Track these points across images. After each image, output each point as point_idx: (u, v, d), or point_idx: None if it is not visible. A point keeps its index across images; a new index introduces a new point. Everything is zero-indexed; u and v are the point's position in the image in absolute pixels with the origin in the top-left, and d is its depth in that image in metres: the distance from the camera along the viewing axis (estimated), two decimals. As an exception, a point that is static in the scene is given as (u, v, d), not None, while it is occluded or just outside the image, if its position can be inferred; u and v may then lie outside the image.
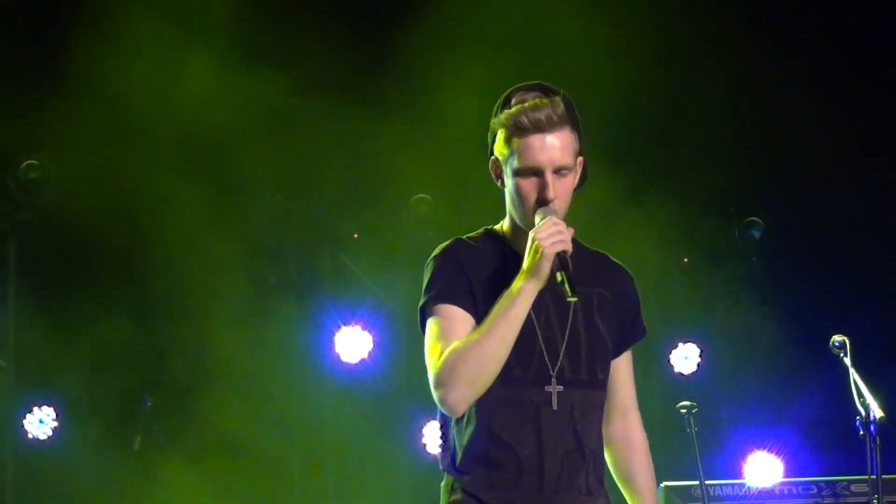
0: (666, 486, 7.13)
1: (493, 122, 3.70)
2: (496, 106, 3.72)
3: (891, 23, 9.29)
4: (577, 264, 3.59)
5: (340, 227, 9.36)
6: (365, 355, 9.21)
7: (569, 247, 3.54)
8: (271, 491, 9.06)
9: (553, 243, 3.51)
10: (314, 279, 9.43)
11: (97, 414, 8.71)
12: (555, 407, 3.61)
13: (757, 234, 9.67)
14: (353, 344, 9.20)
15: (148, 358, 8.85)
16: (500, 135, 3.66)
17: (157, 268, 8.79)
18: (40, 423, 8.70)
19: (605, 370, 3.76)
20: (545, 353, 3.64)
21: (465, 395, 3.54)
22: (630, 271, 3.91)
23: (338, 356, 9.22)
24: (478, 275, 3.65)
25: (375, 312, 9.25)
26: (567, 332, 3.67)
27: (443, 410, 3.63)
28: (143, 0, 8.56)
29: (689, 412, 6.50)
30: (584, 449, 3.67)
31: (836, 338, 6.18)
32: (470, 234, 3.78)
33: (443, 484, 3.74)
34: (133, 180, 8.69)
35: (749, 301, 9.54)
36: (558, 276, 3.53)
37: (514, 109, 3.64)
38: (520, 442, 3.61)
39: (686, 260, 9.68)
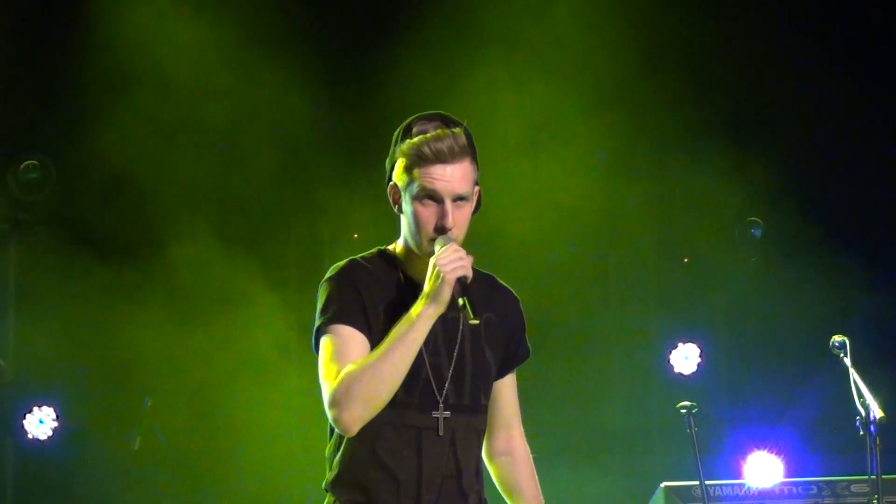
0: (666, 487, 7.13)
1: (395, 150, 3.80)
2: (396, 133, 3.82)
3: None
4: (470, 287, 3.64)
5: (340, 227, 9.36)
6: (365, 355, 9.19)
7: (469, 273, 3.60)
8: (271, 491, 9.06)
9: (454, 269, 3.58)
10: (314, 279, 9.41)
11: (97, 414, 8.71)
12: (440, 433, 3.67)
13: (757, 234, 9.67)
14: (352, 344, 9.17)
15: (148, 358, 8.85)
16: (401, 163, 3.77)
17: (157, 268, 8.79)
18: (40, 423, 8.70)
19: (488, 395, 3.81)
20: (431, 378, 3.68)
21: (359, 416, 3.58)
22: (516, 293, 3.94)
23: (338, 356, 9.19)
24: (372, 297, 3.70)
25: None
26: (454, 358, 3.72)
27: (337, 429, 3.66)
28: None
29: (689, 412, 6.49)
30: (464, 475, 3.71)
31: (836, 338, 6.19)
32: (364, 255, 3.84)
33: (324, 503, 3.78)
34: (133, 180, 8.70)
35: (749, 301, 9.54)
36: (460, 301, 3.59)
37: (416, 140, 3.74)
38: (400, 466, 3.65)
39: (686, 260, 9.68)
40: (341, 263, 3.81)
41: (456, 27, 8.84)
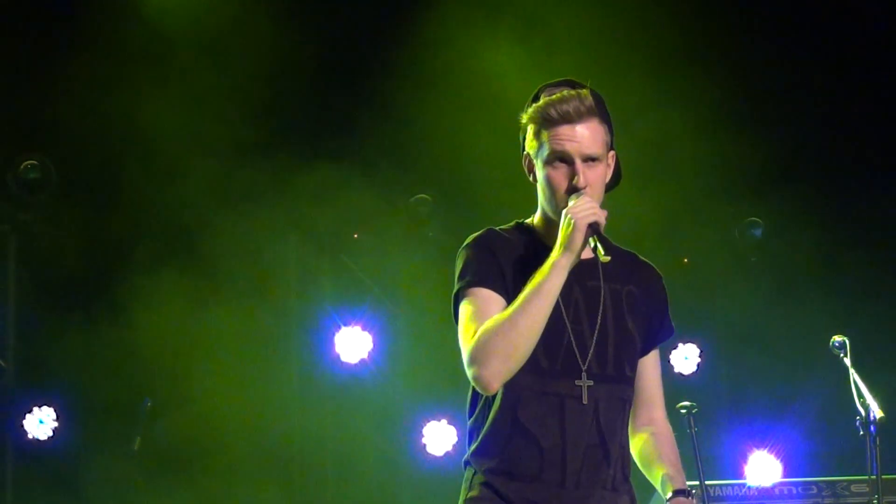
0: (666, 487, 7.12)
1: (523, 117, 3.74)
2: (526, 104, 3.76)
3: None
4: (609, 261, 3.61)
5: (340, 227, 9.36)
6: (365, 355, 9.21)
7: (602, 220, 3.58)
8: (271, 491, 9.05)
9: (585, 216, 3.56)
10: (314, 279, 9.42)
11: (97, 414, 8.71)
12: (584, 401, 3.61)
13: (757, 234, 9.67)
14: (353, 344, 9.20)
15: (148, 358, 8.84)
16: (530, 130, 3.72)
17: (158, 268, 8.79)
18: (40, 423, 8.69)
19: (633, 367, 3.76)
20: (574, 345, 3.65)
21: (498, 371, 3.53)
22: (659, 271, 3.92)
23: (338, 356, 9.22)
24: (510, 264, 3.67)
25: (375, 312, 9.25)
26: (597, 326, 3.68)
27: (476, 388, 3.62)
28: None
29: (689, 412, 6.49)
30: (609, 444, 3.67)
31: (836, 338, 6.19)
32: (502, 227, 3.80)
33: (463, 478, 3.74)
34: (133, 180, 8.70)
35: (749, 301, 9.54)
36: (591, 242, 3.57)
37: (541, 103, 3.69)
38: (544, 433, 3.61)
39: (686, 260, 9.68)
40: (478, 232, 3.77)
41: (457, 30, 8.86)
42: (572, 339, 3.64)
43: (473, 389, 3.73)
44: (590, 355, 3.65)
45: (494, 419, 3.64)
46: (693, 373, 9.54)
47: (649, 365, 3.84)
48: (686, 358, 9.56)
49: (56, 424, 8.70)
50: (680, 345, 9.56)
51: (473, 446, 3.69)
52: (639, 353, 3.78)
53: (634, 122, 9.05)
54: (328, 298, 9.34)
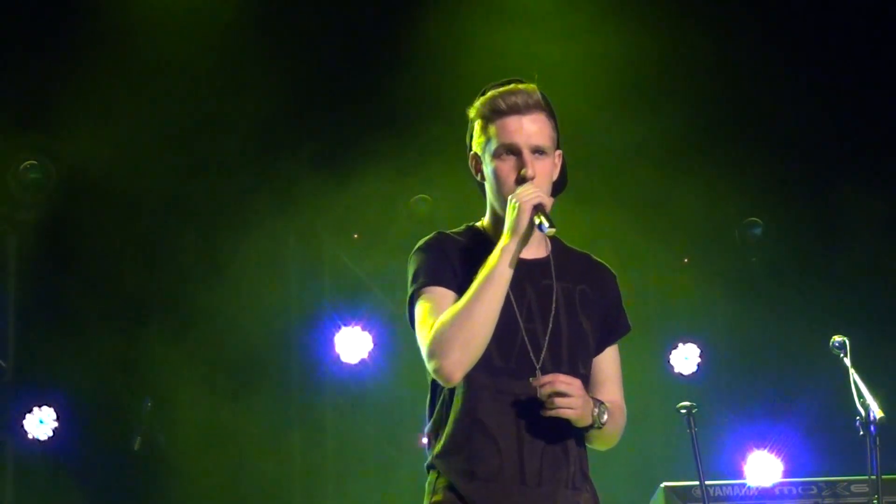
0: (666, 487, 7.13)
1: (470, 112, 3.75)
2: (473, 103, 3.75)
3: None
4: (561, 262, 3.66)
5: (340, 228, 9.36)
6: (365, 355, 9.21)
7: (546, 201, 3.58)
8: (270, 491, 9.06)
9: (530, 199, 3.56)
10: (314, 279, 9.42)
11: (97, 414, 8.71)
12: (538, 400, 3.58)
13: (757, 234, 9.66)
14: (353, 344, 9.20)
15: (148, 358, 8.85)
16: (478, 125, 3.72)
17: (158, 268, 8.79)
18: (40, 423, 8.69)
19: (587, 365, 3.75)
20: (528, 344, 3.64)
21: (459, 361, 3.54)
22: (613, 271, 3.90)
23: (338, 356, 9.22)
24: (461, 264, 3.67)
25: (375, 312, 9.24)
26: (550, 325, 3.68)
27: (438, 380, 3.63)
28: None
29: (689, 412, 6.49)
30: (566, 442, 3.66)
31: (836, 338, 6.18)
32: (453, 230, 3.82)
33: (427, 482, 3.76)
34: (134, 180, 8.70)
35: (749, 301, 9.54)
36: (536, 219, 3.56)
37: (488, 95, 3.70)
38: (501, 432, 3.61)
39: (686, 260, 9.68)
40: (428, 236, 3.79)
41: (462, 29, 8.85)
42: (525, 338, 3.64)
43: (431, 393, 3.75)
44: (543, 354, 3.65)
45: (455, 419, 3.65)
46: (693, 373, 9.55)
47: (607, 362, 3.83)
48: (686, 358, 9.56)
49: (56, 424, 8.70)
50: (680, 345, 9.56)
51: (437, 448, 3.71)
52: (593, 352, 3.78)
53: (634, 123, 9.07)
54: (328, 298, 9.34)
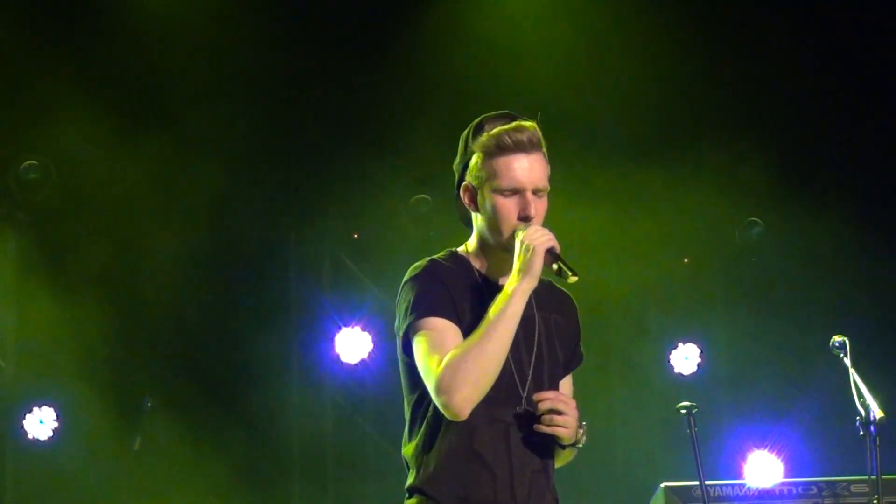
0: (666, 487, 7.12)
1: (465, 149, 3.77)
2: (465, 134, 3.79)
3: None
4: (537, 291, 3.68)
5: (340, 227, 9.36)
6: (365, 355, 9.22)
7: (557, 245, 3.65)
8: (271, 491, 9.06)
9: (543, 242, 3.63)
10: (314, 279, 9.43)
11: (97, 414, 8.70)
12: (523, 428, 3.68)
13: (757, 234, 9.66)
14: (353, 344, 9.20)
15: (148, 358, 8.85)
16: (478, 158, 3.73)
17: (158, 268, 8.79)
18: (40, 423, 8.69)
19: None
20: (515, 373, 3.70)
21: (469, 397, 3.59)
22: (574, 301, 3.97)
23: (338, 356, 9.22)
24: (457, 293, 3.71)
25: (375, 312, 9.24)
26: (533, 354, 3.75)
27: (447, 415, 3.64)
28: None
29: (689, 412, 6.49)
30: (548, 469, 3.75)
31: (836, 338, 6.18)
32: (439, 256, 3.83)
33: None
34: (134, 181, 8.71)
35: (749, 301, 9.54)
36: (555, 266, 3.65)
37: (495, 131, 3.72)
38: (495, 460, 3.67)
39: (686, 260, 9.69)
40: (422, 263, 3.79)
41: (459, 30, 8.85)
42: (512, 367, 3.70)
43: (412, 415, 3.75)
44: (528, 383, 3.72)
45: (451, 447, 3.67)
46: (693, 373, 9.55)
47: (567, 387, 3.90)
48: (686, 358, 9.56)
49: (56, 424, 8.71)
50: (680, 345, 9.56)
51: (426, 472, 3.69)
52: (561, 378, 3.87)
53: (634, 122, 9.07)
54: (328, 298, 9.34)
